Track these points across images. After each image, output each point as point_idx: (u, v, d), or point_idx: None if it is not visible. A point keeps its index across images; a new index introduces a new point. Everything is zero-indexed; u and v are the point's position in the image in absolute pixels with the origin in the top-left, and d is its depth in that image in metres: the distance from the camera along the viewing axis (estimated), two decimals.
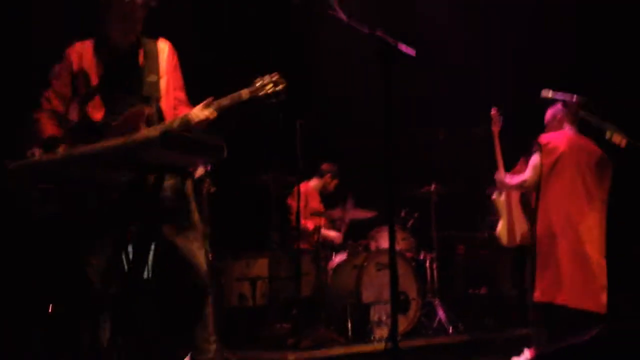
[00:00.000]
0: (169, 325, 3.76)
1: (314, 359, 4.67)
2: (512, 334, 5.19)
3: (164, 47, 3.29)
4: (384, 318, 5.26)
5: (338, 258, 5.80)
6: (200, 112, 3.02)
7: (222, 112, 3.05)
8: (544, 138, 4.40)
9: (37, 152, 2.95)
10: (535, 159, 4.36)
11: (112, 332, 3.04)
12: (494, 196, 4.73)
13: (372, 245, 5.91)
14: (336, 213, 6.05)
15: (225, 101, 3.06)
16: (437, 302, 5.83)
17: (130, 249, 3.03)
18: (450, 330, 5.55)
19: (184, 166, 3.04)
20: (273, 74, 3.11)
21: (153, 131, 2.90)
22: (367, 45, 2.94)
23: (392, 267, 2.57)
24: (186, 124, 3.00)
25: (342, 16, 2.92)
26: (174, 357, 3.39)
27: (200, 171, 3.89)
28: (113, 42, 3.21)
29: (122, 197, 2.90)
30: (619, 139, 3.97)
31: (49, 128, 3.08)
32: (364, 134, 5.70)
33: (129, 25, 3.16)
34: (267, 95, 3.07)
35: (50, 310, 3.50)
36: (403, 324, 5.35)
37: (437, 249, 6.18)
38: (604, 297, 4.12)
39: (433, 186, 6.21)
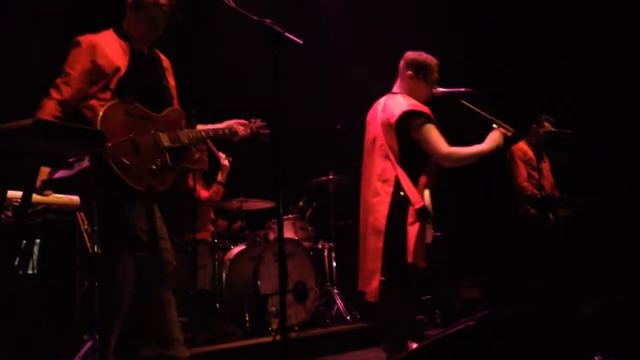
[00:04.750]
0: None
1: (210, 353, 4.58)
2: None
3: (161, 56, 3.45)
4: None
5: (236, 249, 5.72)
6: (245, 129, 3.52)
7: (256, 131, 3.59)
8: None
9: None
10: None
11: None
12: None
13: (271, 236, 5.85)
14: (234, 203, 5.94)
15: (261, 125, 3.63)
16: (335, 291, 5.86)
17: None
18: (349, 319, 5.60)
19: (62, 156, 2.88)
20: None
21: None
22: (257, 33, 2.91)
23: (281, 257, 2.54)
24: (232, 134, 3.49)
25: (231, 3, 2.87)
26: None
27: (85, 163, 3.69)
28: (133, 41, 3.26)
29: None
30: (503, 131, 4.04)
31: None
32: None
33: (155, 29, 3.28)
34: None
35: None
36: (301, 314, 5.35)
37: (335, 238, 6.21)
38: (374, 283, 3.87)
39: (331, 175, 6.23)
